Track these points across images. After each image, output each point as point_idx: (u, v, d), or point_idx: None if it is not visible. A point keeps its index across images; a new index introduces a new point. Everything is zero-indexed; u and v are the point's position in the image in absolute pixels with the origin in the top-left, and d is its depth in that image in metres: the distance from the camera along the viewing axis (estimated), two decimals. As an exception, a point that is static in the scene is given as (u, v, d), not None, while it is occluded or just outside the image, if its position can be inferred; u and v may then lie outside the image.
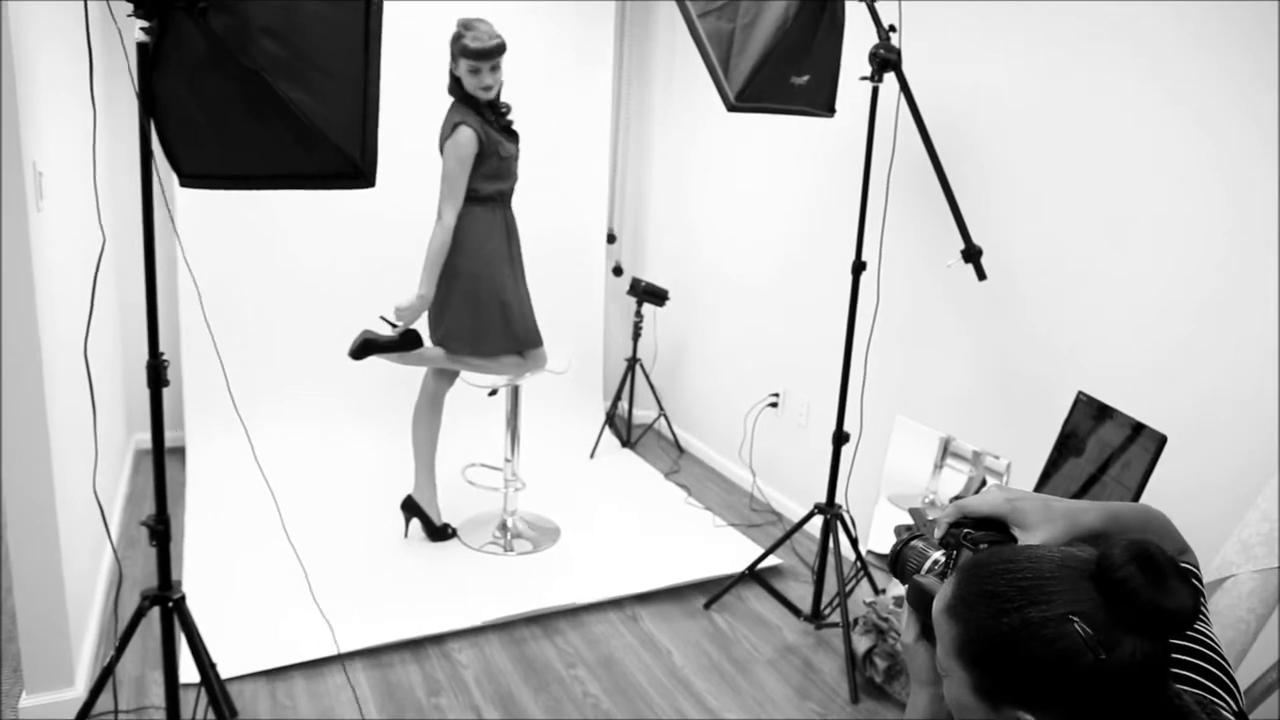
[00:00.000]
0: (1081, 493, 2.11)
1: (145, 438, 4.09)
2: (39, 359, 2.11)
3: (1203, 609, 1.04)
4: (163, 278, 3.93)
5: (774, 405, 3.89)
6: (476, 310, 3.08)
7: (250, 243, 3.94)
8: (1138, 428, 2.01)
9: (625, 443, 4.47)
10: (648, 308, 4.41)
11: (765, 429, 3.94)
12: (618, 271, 4.69)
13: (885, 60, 2.64)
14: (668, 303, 4.32)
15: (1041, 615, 0.85)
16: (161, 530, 1.96)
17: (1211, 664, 1.02)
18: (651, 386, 4.51)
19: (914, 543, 1.13)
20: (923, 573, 1.09)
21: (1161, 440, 1.93)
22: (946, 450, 3.12)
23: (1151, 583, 0.83)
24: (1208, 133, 2.24)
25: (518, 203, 4.27)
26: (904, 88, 2.64)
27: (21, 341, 2.09)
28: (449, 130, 2.97)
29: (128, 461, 3.82)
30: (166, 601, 1.98)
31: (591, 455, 4.31)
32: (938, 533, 1.15)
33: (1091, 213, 2.53)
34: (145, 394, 4.01)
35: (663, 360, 4.65)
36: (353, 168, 2.01)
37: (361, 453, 4.00)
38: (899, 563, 1.14)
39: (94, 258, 2.78)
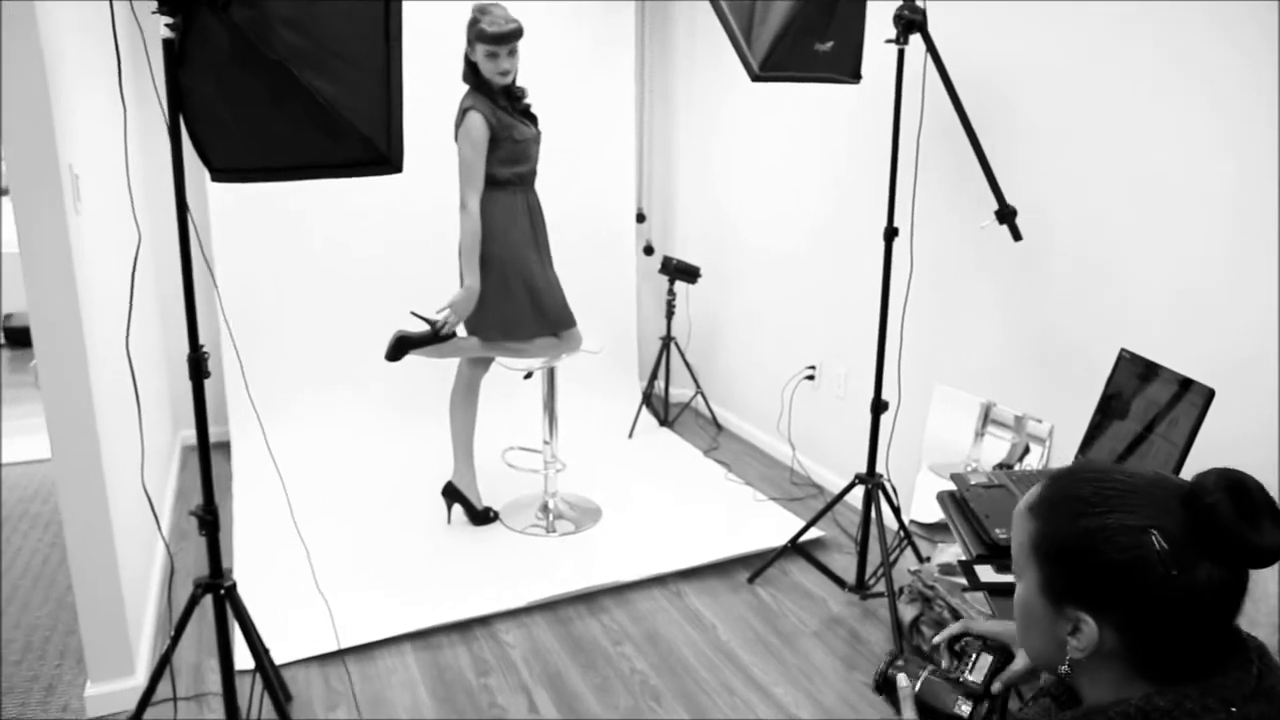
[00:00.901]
0: (1128, 454, 2.07)
1: (192, 434, 4.17)
2: (84, 359, 2.16)
3: None
4: (203, 275, 4.00)
5: (810, 378, 3.86)
6: (506, 297, 3.08)
7: (286, 239, 3.99)
8: (1185, 383, 1.96)
9: (663, 422, 4.47)
10: (680, 285, 4.40)
11: (803, 402, 3.92)
12: (649, 251, 4.67)
13: (910, 21, 2.59)
14: (700, 280, 4.30)
15: (1121, 523, 0.86)
16: (210, 520, 1.99)
17: None
18: (687, 364, 4.51)
19: (931, 677, 1.15)
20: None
21: (1209, 394, 1.88)
22: (988, 417, 3.08)
23: (1240, 515, 0.83)
24: (1252, 77, 2.17)
25: (546, 186, 4.26)
26: (930, 49, 2.58)
27: (67, 342, 2.14)
28: (459, 117, 2.97)
29: (175, 457, 3.90)
30: (218, 589, 2.02)
31: (630, 435, 4.31)
32: (940, 644, 1.22)
33: (1126, 167, 2.47)
34: (189, 389, 4.09)
35: (697, 337, 4.63)
36: (379, 154, 2.02)
37: (402, 441, 4.04)
38: (888, 687, 1.15)
39: (133, 255, 2.83)
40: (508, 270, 3.07)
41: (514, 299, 3.09)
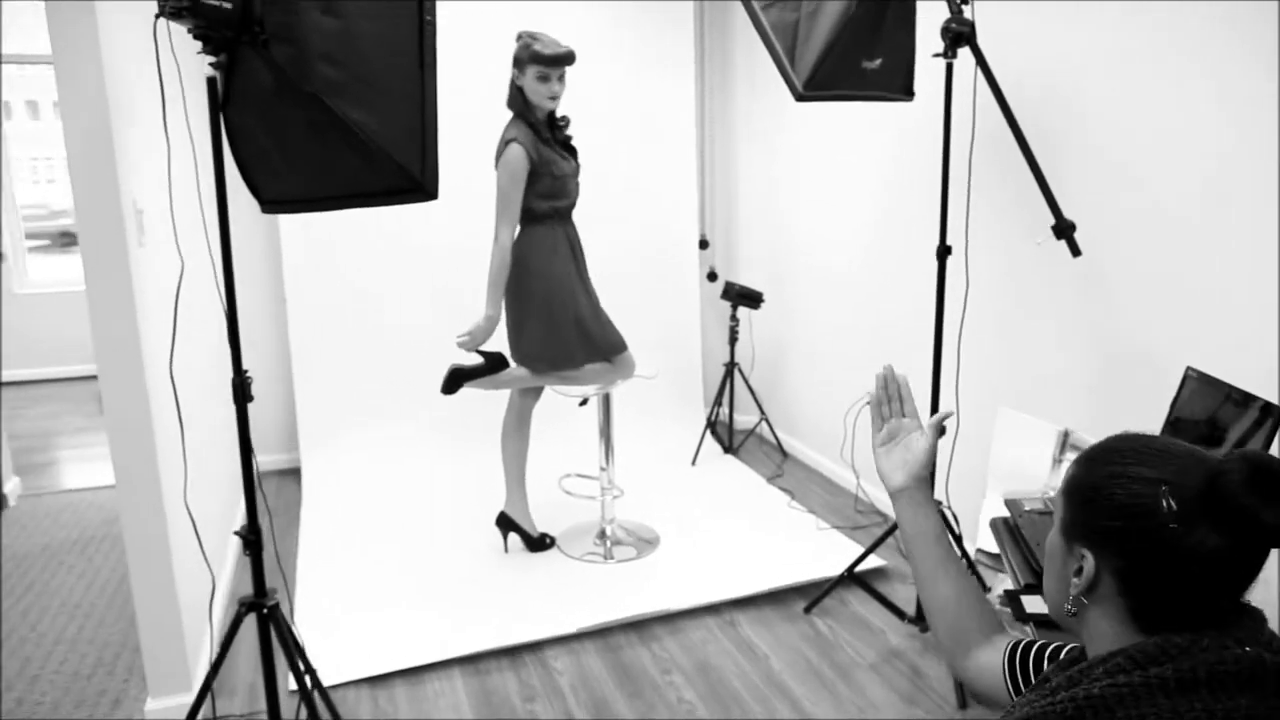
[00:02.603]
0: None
1: (265, 459, 4.32)
2: (144, 389, 2.26)
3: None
4: (275, 310, 4.17)
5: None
6: (553, 330, 3.10)
7: (352, 274, 4.13)
8: (1250, 400, 1.84)
9: (727, 449, 4.42)
10: (743, 311, 4.37)
11: (867, 427, 3.82)
12: (712, 277, 4.66)
13: (959, 34, 2.53)
14: (763, 304, 4.26)
15: (1139, 473, 0.90)
16: (254, 540, 2.05)
17: None
18: (751, 390, 4.46)
19: None
20: None
21: (1279, 412, 1.76)
22: (1066, 443, 2.95)
23: (1254, 489, 0.85)
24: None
25: (608, 214, 4.31)
26: (980, 61, 2.52)
27: (128, 372, 2.24)
28: (501, 148, 3.02)
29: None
30: (261, 609, 2.07)
31: (693, 463, 4.28)
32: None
33: (1189, 175, 2.35)
34: (262, 418, 4.23)
35: (761, 363, 4.58)
36: (413, 182, 2.06)
37: (465, 468, 4.10)
38: None
39: (204, 287, 2.96)
40: (553, 303, 3.10)
41: (561, 331, 3.11)
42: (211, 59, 1.88)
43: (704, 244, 4.63)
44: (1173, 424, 2.11)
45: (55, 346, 6.30)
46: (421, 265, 4.16)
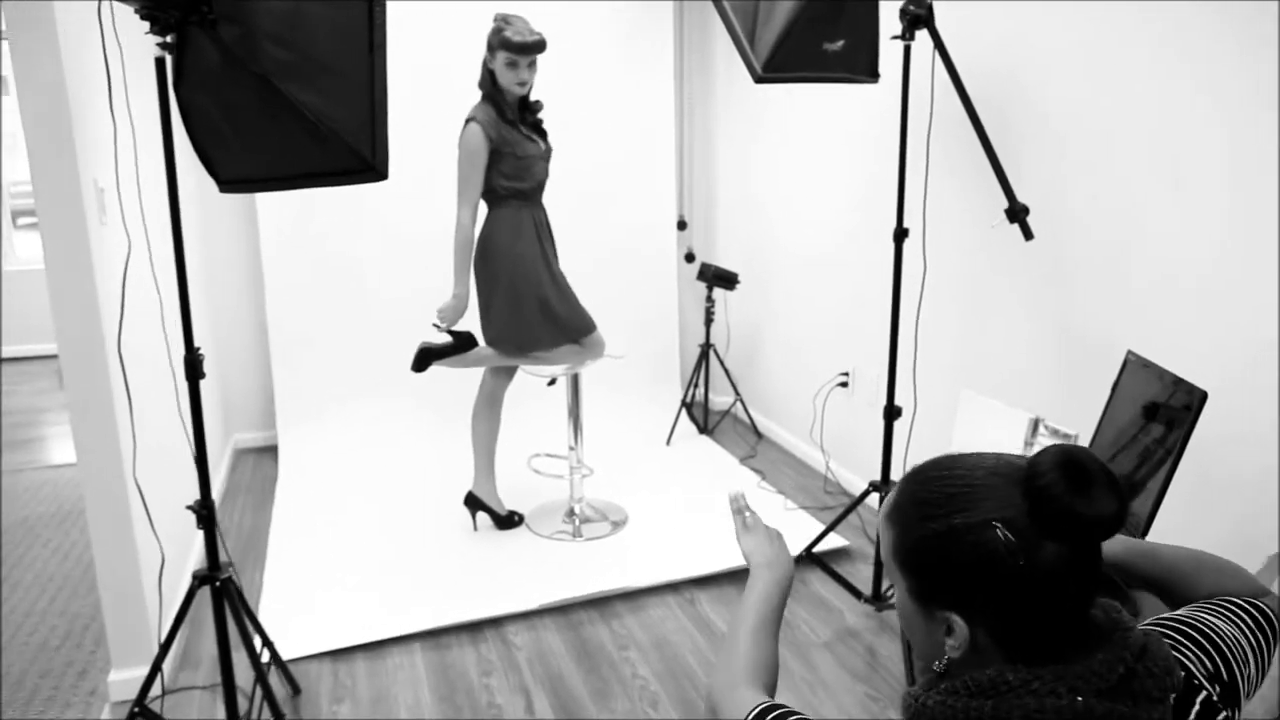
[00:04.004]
0: (1119, 454, 1.98)
1: (242, 437, 4.38)
2: (105, 366, 2.30)
3: (1209, 619, 0.99)
4: (253, 291, 4.21)
5: (844, 385, 3.80)
6: (519, 311, 3.14)
7: (329, 256, 4.15)
8: (1179, 384, 1.87)
9: (702, 429, 4.46)
10: (719, 292, 4.39)
11: (837, 409, 3.86)
12: (690, 258, 4.68)
13: (916, 16, 2.55)
14: (739, 286, 4.28)
15: (965, 521, 0.87)
16: (206, 515, 2.09)
17: (1207, 649, 0.96)
18: (726, 371, 4.49)
19: None
20: None
21: (1203, 396, 1.79)
22: (1036, 431, 2.98)
23: (1073, 489, 0.84)
24: (1269, 69, 2.06)
25: (587, 196, 4.34)
26: (938, 44, 2.54)
27: (88, 349, 2.28)
28: (462, 128, 3.04)
29: (225, 459, 4.09)
30: (214, 581, 2.12)
31: (668, 442, 4.32)
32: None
33: (1143, 160, 2.37)
34: (240, 397, 4.28)
35: (737, 344, 4.61)
36: (364, 163, 2.09)
37: (438, 447, 4.15)
38: None
39: (193, 265, 2.99)
40: (518, 285, 3.13)
41: (526, 313, 3.14)
42: (159, 39, 1.91)
43: (682, 225, 4.65)
44: (1113, 402, 2.14)
45: (46, 323, 6.33)
46: (399, 244, 4.19)
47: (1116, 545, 1.11)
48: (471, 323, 3.19)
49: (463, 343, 3.15)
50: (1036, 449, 2.93)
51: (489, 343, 3.23)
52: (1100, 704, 0.83)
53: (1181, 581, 1.08)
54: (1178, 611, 1.02)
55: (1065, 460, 0.85)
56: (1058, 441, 2.73)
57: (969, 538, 0.86)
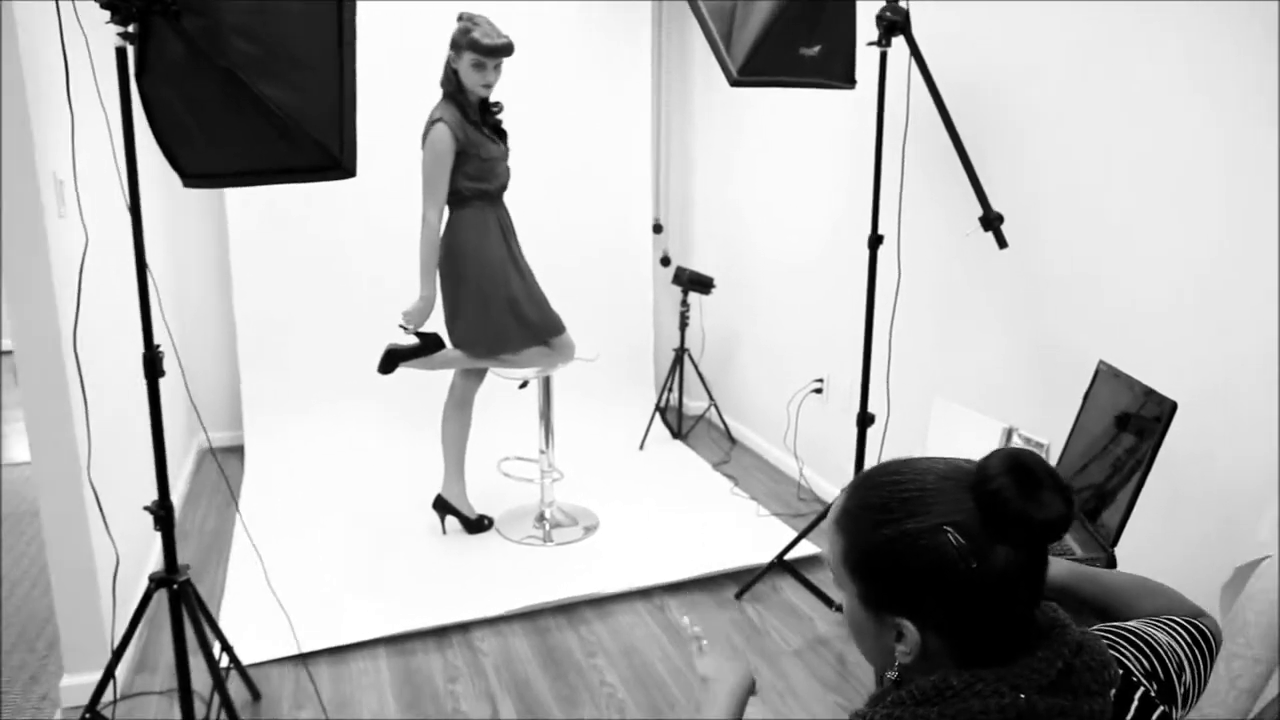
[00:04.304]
0: (1089, 464, 1.98)
1: (213, 437, 4.31)
2: (61, 363, 2.24)
3: (1145, 628, 1.01)
4: (221, 287, 4.15)
5: (819, 391, 3.80)
6: (487, 312, 3.11)
7: (300, 257, 4.10)
8: (1148, 394, 1.87)
9: (676, 434, 4.44)
10: (694, 296, 4.38)
11: (812, 415, 3.86)
12: (665, 262, 4.67)
13: (892, 23, 2.55)
14: (714, 290, 4.27)
15: (917, 526, 0.88)
16: (163, 516, 2.05)
17: (1143, 649, 0.98)
18: (700, 376, 4.48)
19: None
20: None
21: (1173, 407, 1.79)
22: (1010, 441, 2.98)
23: (1023, 493, 0.85)
24: (1254, 77, 2.07)
25: (562, 197, 4.32)
26: (914, 52, 2.54)
27: (45, 346, 2.22)
28: (427, 128, 3.01)
29: (189, 460, 4.02)
30: (171, 584, 2.07)
31: (641, 447, 4.30)
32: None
33: (1119, 170, 2.38)
34: (207, 398, 4.21)
35: (712, 349, 4.60)
36: (332, 160, 2.06)
37: (408, 450, 4.10)
38: None
39: (158, 260, 2.93)
40: (486, 287, 3.10)
41: (495, 314, 3.11)
42: (120, 29, 1.86)
43: (658, 228, 4.64)
44: (1084, 410, 2.14)
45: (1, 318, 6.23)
46: (370, 245, 4.14)
47: (1061, 568, 1.13)
48: (438, 325, 3.15)
49: (429, 344, 3.11)
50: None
51: (456, 344, 3.20)
52: (1042, 700, 0.85)
53: (1122, 605, 1.10)
54: (1114, 623, 1.05)
55: (1014, 464, 0.86)
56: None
57: (921, 542, 0.87)
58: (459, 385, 3.34)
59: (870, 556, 0.91)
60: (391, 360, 3.09)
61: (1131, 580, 1.13)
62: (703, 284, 4.22)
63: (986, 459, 0.88)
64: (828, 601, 2.96)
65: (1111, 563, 1.86)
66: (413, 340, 3.09)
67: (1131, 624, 1.02)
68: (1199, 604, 1.10)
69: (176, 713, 2.36)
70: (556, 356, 3.30)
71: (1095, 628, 1.01)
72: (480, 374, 3.34)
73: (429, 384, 4.04)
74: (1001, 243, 2.49)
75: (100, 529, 2.39)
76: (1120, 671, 0.93)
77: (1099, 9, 2.39)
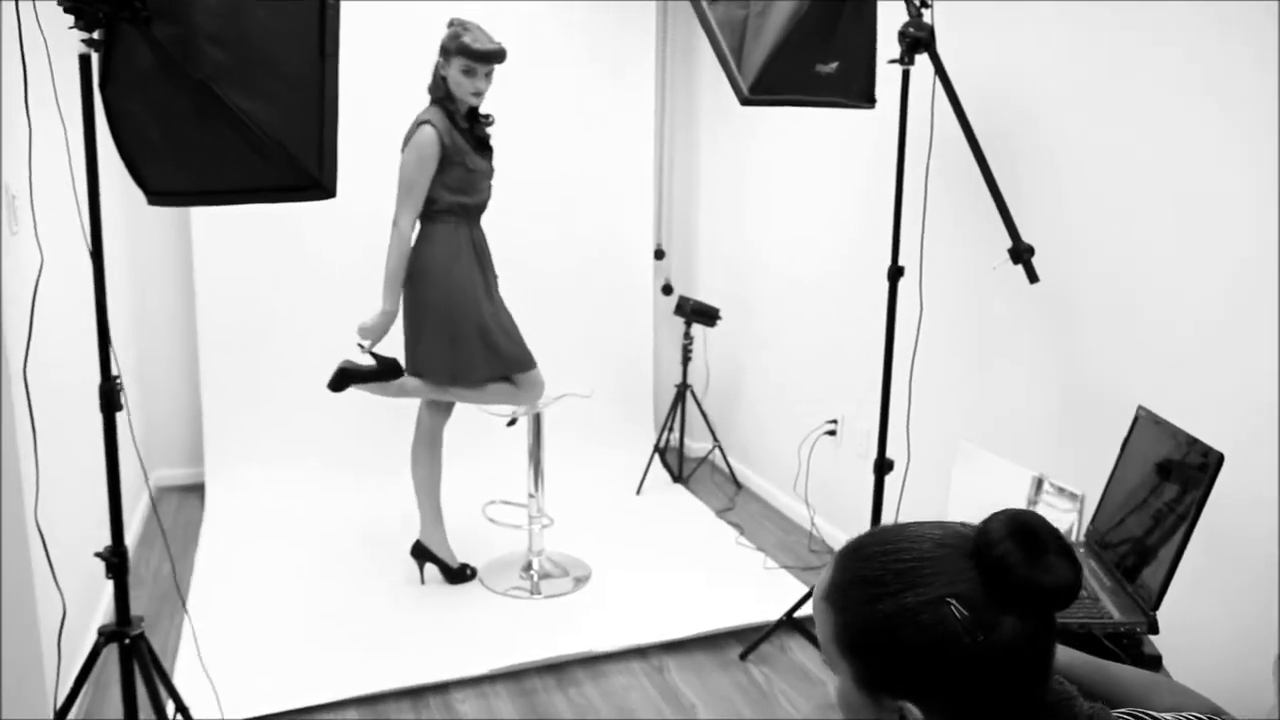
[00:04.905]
0: (1126, 518, 1.97)
1: (167, 474, 4.29)
2: (9, 392, 2.23)
3: (1166, 716, 1.00)
4: (185, 314, 4.15)
5: (832, 433, 3.79)
6: (453, 339, 3.11)
7: (266, 283, 4.10)
8: (1193, 444, 1.87)
9: (677, 478, 4.43)
10: (698, 329, 4.39)
11: (824, 459, 3.85)
12: (667, 290, 4.68)
13: (916, 40, 2.58)
14: (720, 322, 4.28)
15: (917, 600, 0.87)
16: (117, 563, 2.03)
17: None
18: (704, 415, 4.48)
19: None
20: None
21: (1219, 459, 1.79)
22: (1040, 490, 2.97)
23: (1028, 559, 0.85)
24: (1284, 101, 2.09)
25: (557, 220, 4.33)
26: (939, 70, 2.56)
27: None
28: (412, 129, 3.03)
29: (143, 499, 3.99)
30: (123, 638, 2.05)
31: (638, 491, 4.29)
32: None
33: (1161, 196, 2.39)
34: (160, 432, 4.19)
35: (717, 386, 4.60)
36: (310, 179, 2.06)
37: (384, 494, 4.07)
38: None
39: (117, 283, 2.93)
40: (454, 313, 3.10)
41: (462, 341, 3.11)
42: (85, 35, 1.88)
43: (660, 254, 4.65)
44: (1124, 458, 2.14)
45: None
46: (342, 277, 4.11)
47: (1062, 655, 1.13)
48: (394, 347, 3.14)
49: (387, 370, 3.10)
50: (1044, 507, 2.93)
51: (415, 371, 3.18)
52: None
53: (1134, 700, 1.10)
54: (1137, 708, 1.04)
55: (1016, 527, 0.86)
56: (1063, 502, 2.73)
57: (922, 617, 0.87)
58: (425, 420, 3.32)
59: (866, 634, 0.90)
60: (343, 379, 3.08)
61: (1145, 676, 1.13)
62: (708, 315, 4.22)
63: (986, 522, 0.88)
64: (841, 664, 2.93)
65: (1153, 628, 1.84)
66: (370, 362, 3.08)
67: (1154, 711, 1.01)
68: (1243, 684, 1.10)
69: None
70: (522, 394, 3.28)
71: (1117, 711, 1.00)
72: (447, 407, 3.33)
73: (407, 416, 4.03)
74: (1032, 277, 2.50)
75: (46, 577, 2.36)
76: None
77: (1140, 29, 2.42)
